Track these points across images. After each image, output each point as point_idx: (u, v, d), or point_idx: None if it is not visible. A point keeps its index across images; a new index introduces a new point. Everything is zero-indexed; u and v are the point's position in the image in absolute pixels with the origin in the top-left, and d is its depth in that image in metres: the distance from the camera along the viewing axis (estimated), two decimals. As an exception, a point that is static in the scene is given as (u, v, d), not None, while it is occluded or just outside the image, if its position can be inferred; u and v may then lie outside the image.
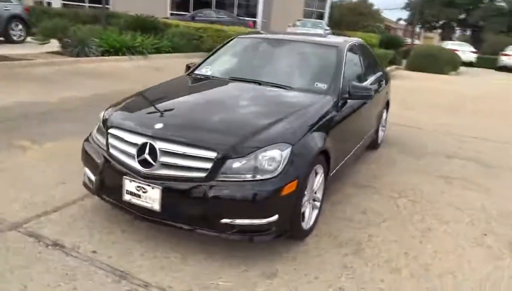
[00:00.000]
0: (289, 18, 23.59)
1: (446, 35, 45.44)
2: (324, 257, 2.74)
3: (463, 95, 11.61)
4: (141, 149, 2.57)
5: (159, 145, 2.52)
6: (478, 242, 3.15)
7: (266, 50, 4.12)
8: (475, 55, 24.52)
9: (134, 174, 2.57)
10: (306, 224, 2.85)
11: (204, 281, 2.40)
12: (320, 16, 28.80)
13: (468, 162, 5.18)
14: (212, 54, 4.21)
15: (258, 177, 2.44)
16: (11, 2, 12.59)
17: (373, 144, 5.12)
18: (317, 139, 2.85)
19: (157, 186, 2.48)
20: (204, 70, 3.96)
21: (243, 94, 3.39)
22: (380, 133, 5.33)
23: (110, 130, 2.79)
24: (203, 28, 14.93)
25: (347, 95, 3.48)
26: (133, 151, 2.60)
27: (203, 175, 2.44)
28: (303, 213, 2.77)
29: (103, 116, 2.99)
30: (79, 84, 8.00)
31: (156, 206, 2.50)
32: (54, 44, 11.54)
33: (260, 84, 3.53)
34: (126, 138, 2.68)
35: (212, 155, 2.45)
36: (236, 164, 2.45)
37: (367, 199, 3.75)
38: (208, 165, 2.44)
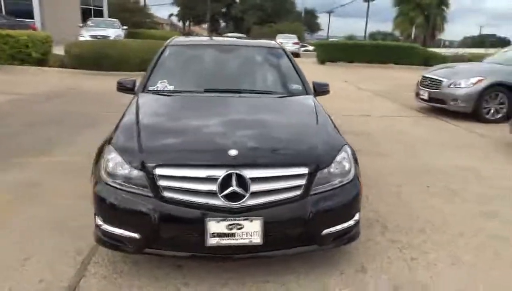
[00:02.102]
0: (67, 18, 21.34)
1: (214, 28, 49.73)
2: (372, 240, 3.03)
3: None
4: (223, 182, 2.23)
5: (247, 173, 2.25)
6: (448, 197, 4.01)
7: (218, 57, 3.92)
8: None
9: (222, 212, 2.22)
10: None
11: (327, 297, 2.37)
12: (100, 14, 27.00)
13: (350, 135, 6.21)
14: (154, 67, 3.68)
15: (341, 180, 2.50)
16: None
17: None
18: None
19: (257, 218, 2.23)
20: (162, 86, 3.49)
21: (253, 104, 3.24)
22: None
23: (159, 171, 2.27)
24: (-19, 35, 11.97)
25: (314, 92, 3.77)
26: (211, 187, 2.23)
27: (298, 192, 2.34)
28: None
29: (125, 155, 2.38)
30: None
31: (257, 239, 2.26)
32: None
33: (240, 92, 3.42)
34: (193, 176, 2.26)
35: (305, 170, 2.36)
36: (325, 174, 2.44)
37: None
38: (302, 182, 2.35)
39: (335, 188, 2.47)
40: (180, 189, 2.26)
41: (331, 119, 3.10)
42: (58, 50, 13.24)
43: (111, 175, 2.39)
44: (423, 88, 8.39)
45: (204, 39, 4.62)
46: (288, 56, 3.99)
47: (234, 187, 2.23)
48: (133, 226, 2.30)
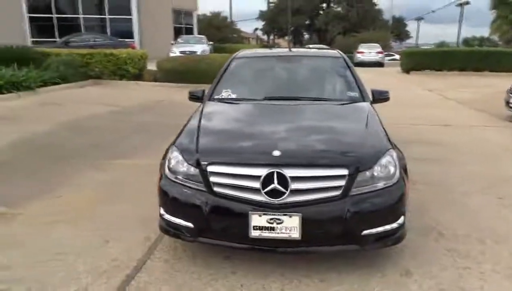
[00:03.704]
0: (161, 36, 23.33)
1: (297, 40, 50.35)
2: (425, 247, 3.00)
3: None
4: (266, 179, 2.44)
5: (288, 172, 2.44)
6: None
7: (280, 67, 4.19)
8: (334, 55, 27.88)
9: (263, 207, 2.44)
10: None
11: (364, 295, 2.44)
12: (190, 31, 29.08)
13: (425, 144, 6.02)
14: (220, 78, 4.06)
15: (385, 183, 2.57)
16: None
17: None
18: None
19: (295, 214, 2.40)
20: (226, 94, 3.83)
21: (306, 111, 3.45)
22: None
23: (211, 168, 2.56)
24: (90, 54, 13.74)
25: (372, 100, 3.81)
26: (255, 184, 2.46)
27: (338, 192, 2.46)
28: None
29: (184, 154, 2.72)
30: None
31: (295, 234, 2.42)
32: None
33: (298, 100, 3.62)
34: (240, 173, 2.51)
35: (345, 172, 2.48)
36: (366, 176, 2.53)
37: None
38: (341, 182, 2.47)
39: (377, 190, 2.54)
40: (229, 184, 2.52)
41: (382, 125, 3.14)
42: (153, 66, 14.61)
43: (172, 171, 2.74)
44: (514, 96, 7.73)
45: (269, 51, 4.92)
46: (347, 64, 4.09)
47: (275, 184, 2.43)
48: (189, 216, 2.60)
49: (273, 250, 2.53)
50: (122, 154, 5.52)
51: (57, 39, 18.54)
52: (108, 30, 22.03)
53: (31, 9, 21.26)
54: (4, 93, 10.20)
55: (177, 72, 13.24)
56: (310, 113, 3.39)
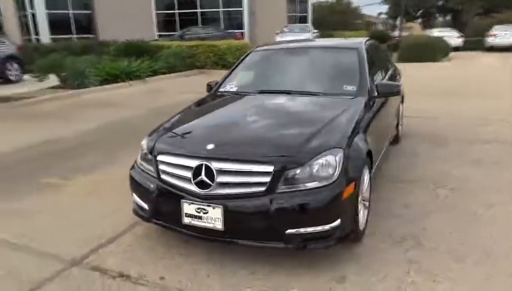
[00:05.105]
0: (274, 25, 23.86)
1: (427, 23, 46.07)
2: (386, 255, 2.78)
3: (464, 78, 11.72)
4: (196, 171, 2.60)
5: (214, 165, 2.56)
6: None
7: (287, 60, 4.19)
8: (461, 40, 24.89)
9: (192, 196, 2.60)
10: (361, 225, 2.89)
11: (279, 293, 2.43)
12: (304, 19, 29.11)
13: (494, 143, 5.24)
14: (232, 70, 4.26)
15: (317, 184, 2.49)
16: (4, 43, 12.70)
17: (395, 139, 5.18)
18: (362, 141, 2.91)
19: (218, 206, 2.52)
20: (229, 87, 4.02)
21: (278, 105, 3.46)
22: (399, 127, 5.39)
23: (159, 157, 2.83)
24: (196, 46, 15.05)
25: (376, 94, 3.56)
26: (188, 174, 2.64)
27: (262, 189, 2.48)
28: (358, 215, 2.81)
29: (148, 144, 3.03)
30: (93, 115, 8.05)
31: (219, 225, 2.54)
32: (52, 80, 11.56)
33: (289, 94, 3.60)
34: (178, 163, 2.72)
35: (270, 168, 2.49)
36: (294, 175, 2.49)
37: (405, 193, 3.80)
38: (267, 179, 2.48)
39: (308, 189, 2.48)
40: (170, 173, 2.75)
41: (356, 123, 2.96)
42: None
43: (141, 158, 3.07)
44: None
45: (285, 45, 4.86)
46: (359, 56, 3.84)
47: (202, 176, 2.57)
48: (145, 199, 2.91)
49: (200, 238, 2.67)
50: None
51: (176, 33, 20.54)
52: (222, 23, 23.52)
53: (158, 7, 24.02)
54: (119, 82, 11.91)
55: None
56: (282, 108, 3.38)
